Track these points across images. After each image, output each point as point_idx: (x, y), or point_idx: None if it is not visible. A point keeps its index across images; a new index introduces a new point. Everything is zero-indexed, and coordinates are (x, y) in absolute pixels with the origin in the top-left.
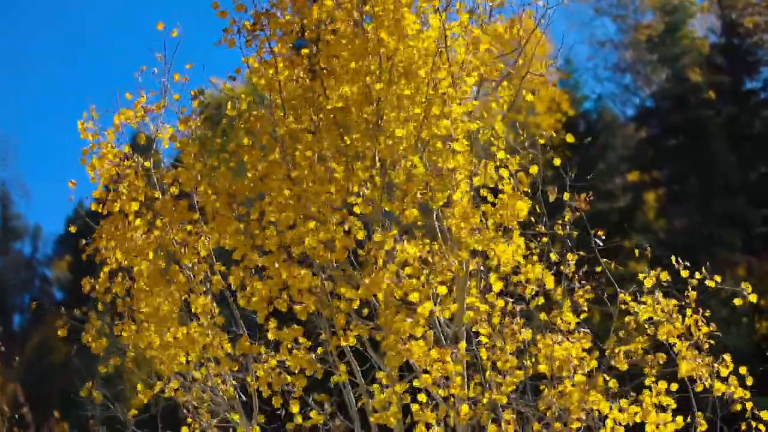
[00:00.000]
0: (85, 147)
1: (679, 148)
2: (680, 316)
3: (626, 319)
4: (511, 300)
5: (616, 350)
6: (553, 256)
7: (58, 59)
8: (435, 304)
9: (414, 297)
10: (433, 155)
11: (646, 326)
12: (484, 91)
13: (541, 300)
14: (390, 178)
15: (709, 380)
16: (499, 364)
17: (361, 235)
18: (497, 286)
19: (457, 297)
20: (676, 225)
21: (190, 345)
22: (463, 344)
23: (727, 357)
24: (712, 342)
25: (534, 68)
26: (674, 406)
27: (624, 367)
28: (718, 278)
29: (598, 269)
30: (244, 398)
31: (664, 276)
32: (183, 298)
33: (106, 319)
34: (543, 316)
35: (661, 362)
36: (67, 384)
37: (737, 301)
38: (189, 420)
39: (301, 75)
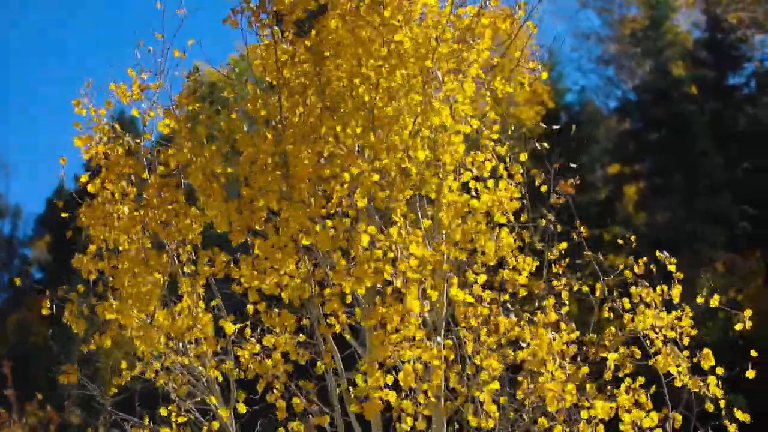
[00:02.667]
0: (77, 122)
1: (661, 141)
2: (665, 311)
3: (605, 308)
4: (495, 294)
5: (595, 340)
6: (538, 245)
7: (44, 44)
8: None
9: (411, 297)
10: (425, 147)
11: (626, 318)
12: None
13: (522, 291)
14: (382, 167)
15: (686, 377)
16: (478, 359)
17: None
18: (481, 279)
19: (437, 287)
20: (658, 219)
21: (171, 326)
22: (449, 342)
23: (707, 351)
24: (691, 335)
25: (524, 62)
26: (650, 405)
27: (606, 354)
28: (717, 298)
29: (580, 261)
30: (221, 380)
31: (653, 268)
32: (165, 279)
33: (91, 300)
34: (526, 314)
35: (637, 357)
36: (47, 365)
37: (714, 302)
38: (172, 397)
39: (302, 58)
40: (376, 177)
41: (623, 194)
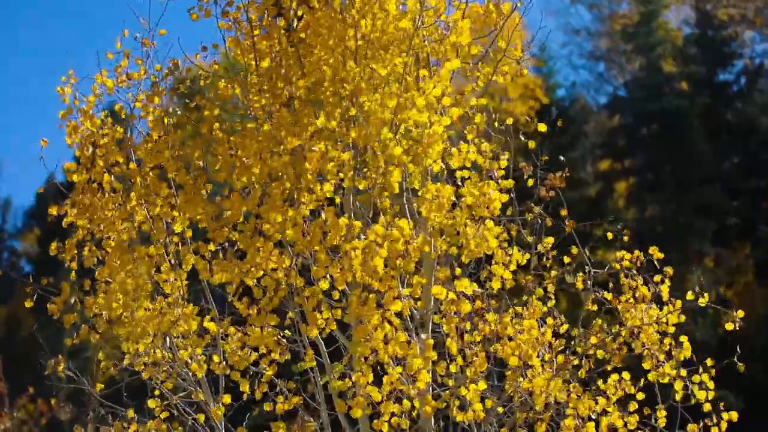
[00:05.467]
0: (62, 110)
1: (652, 137)
2: (655, 306)
3: (589, 299)
4: (480, 290)
5: (585, 336)
6: (529, 238)
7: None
8: (403, 287)
9: (385, 285)
10: (407, 137)
11: (617, 313)
12: (459, 75)
13: (510, 283)
14: (364, 159)
15: (671, 373)
16: (460, 361)
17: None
18: (469, 283)
19: (422, 281)
20: (647, 214)
21: (157, 320)
22: (430, 342)
23: (684, 340)
24: (680, 322)
25: (510, 53)
26: (641, 396)
27: (592, 346)
28: (706, 298)
29: (567, 260)
30: (209, 375)
31: (639, 255)
32: (152, 272)
33: (75, 292)
34: (517, 310)
35: (634, 349)
36: (36, 357)
37: (702, 301)
38: (157, 392)
39: (278, 46)
40: (348, 155)
41: (613, 190)
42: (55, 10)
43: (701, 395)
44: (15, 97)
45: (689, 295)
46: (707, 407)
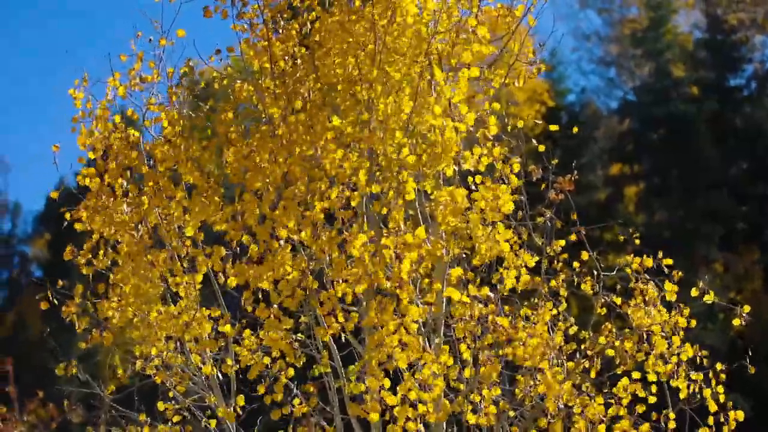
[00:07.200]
0: (75, 115)
1: (661, 142)
2: (663, 309)
3: (598, 303)
4: (491, 294)
5: (598, 340)
6: (539, 240)
7: (39, 37)
8: (417, 291)
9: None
10: (422, 141)
11: (629, 314)
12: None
13: (521, 286)
14: (378, 163)
15: (682, 379)
16: (481, 362)
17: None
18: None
19: (435, 285)
20: (656, 219)
21: (170, 324)
22: (445, 347)
23: (687, 344)
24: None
25: (522, 56)
26: (652, 400)
27: (600, 346)
28: (711, 296)
29: (576, 265)
30: (221, 378)
31: (649, 263)
32: (165, 276)
33: (88, 295)
34: (525, 311)
35: (645, 350)
36: (44, 362)
37: (708, 298)
38: (171, 394)
39: (293, 49)
40: (366, 164)
41: (623, 194)
42: (55, 10)
43: (710, 399)
44: (15, 97)
45: (693, 292)
46: (713, 407)
